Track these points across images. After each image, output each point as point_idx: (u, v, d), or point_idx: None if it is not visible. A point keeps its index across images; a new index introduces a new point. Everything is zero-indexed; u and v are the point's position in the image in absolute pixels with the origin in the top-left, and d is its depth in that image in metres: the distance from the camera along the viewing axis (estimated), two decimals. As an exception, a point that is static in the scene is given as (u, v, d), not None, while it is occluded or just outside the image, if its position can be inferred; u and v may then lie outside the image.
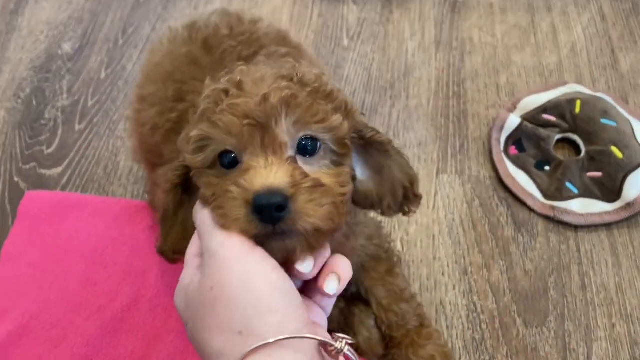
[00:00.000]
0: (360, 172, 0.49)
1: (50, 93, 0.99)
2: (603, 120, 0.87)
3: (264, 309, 0.37)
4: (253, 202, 0.38)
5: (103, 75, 1.01)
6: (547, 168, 0.87)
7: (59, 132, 0.94)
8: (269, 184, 0.38)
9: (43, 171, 0.90)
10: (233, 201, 0.39)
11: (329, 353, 0.39)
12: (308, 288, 0.45)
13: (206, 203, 0.42)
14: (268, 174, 0.39)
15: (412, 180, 0.51)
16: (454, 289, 0.78)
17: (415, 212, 0.54)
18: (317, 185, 0.40)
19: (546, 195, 0.84)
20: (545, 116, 0.90)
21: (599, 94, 0.92)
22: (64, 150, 0.92)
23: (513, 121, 0.90)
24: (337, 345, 0.39)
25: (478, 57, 1.03)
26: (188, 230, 0.48)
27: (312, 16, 1.10)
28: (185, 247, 0.45)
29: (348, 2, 1.13)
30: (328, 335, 0.41)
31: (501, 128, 0.90)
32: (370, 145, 0.49)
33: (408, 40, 1.06)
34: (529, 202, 0.84)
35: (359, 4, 1.12)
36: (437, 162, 0.90)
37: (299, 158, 0.42)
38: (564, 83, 0.95)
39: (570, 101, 0.90)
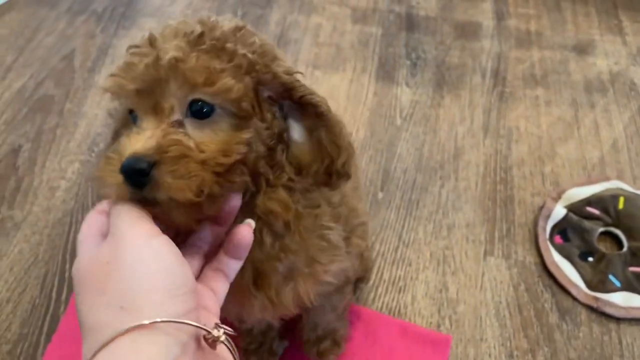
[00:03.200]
0: (298, 133, 0.48)
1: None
2: (646, 218, 0.92)
3: (150, 287, 0.36)
4: (121, 167, 0.39)
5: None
6: (590, 259, 0.91)
7: (129, 187, 1.00)
8: (134, 150, 0.39)
9: (112, 223, 0.95)
10: (110, 167, 0.40)
11: (207, 342, 0.38)
12: (207, 264, 0.45)
13: None
14: (138, 139, 0.40)
15: (339, 154, 0.47)
16: (500, 371, 0.81)
17: (337, 188, 0.50)
18: (182, 155, 0.40)
19: (589, 286, 0.88)
20: (590, 209, 0.95)
21: (641, 192, 0.97)
22: (132, 204, 0.98)
23: (559, 211, 0.95)
24: (214, 333, 0.38)
25: (524, 145, 1.09)
26: None
27: (367, 95, 1.18)
28: None
29: (401, 84, 1.20)
30: (215, 322, 0.39)
31: (547, 217, 0.95)
32: (304, 106, 0.46)
33: (458, 124, 1.13)
34: (573, 291, 0.88)
35: (412, 86, 1.20)
36: (484, 244, 0.95)
37: (190, 121, 0.42)
38: (607, 179, 1.00)
39: (614, 197, 0.95)
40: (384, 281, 0.90)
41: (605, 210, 0.95)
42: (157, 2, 1.38)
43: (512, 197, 1.01)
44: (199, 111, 0.42)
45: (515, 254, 0.93)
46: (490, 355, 0.82)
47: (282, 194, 0.47)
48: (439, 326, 0.85)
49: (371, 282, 0.89)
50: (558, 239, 0.93)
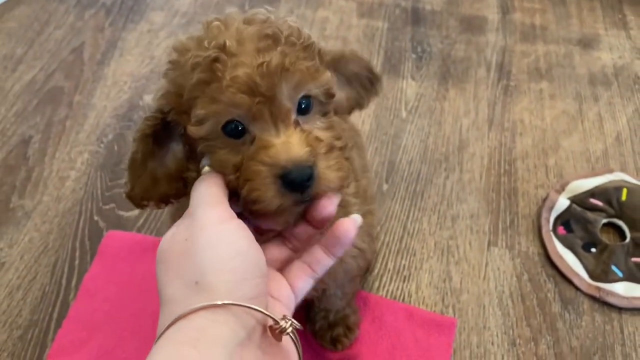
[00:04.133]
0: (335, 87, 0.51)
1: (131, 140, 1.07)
2: (648, 209, 0.93)
3: (222, 268, 0.38)
4: (284, 177, 0.41)
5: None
6: (593, 250, 0.92)
7: (137, 177, 1.02)
8: (293, 158, 0.41)
9: (121, 212, 0.97)
10: (264, 179, 0.41)
11: (273, 332, 0.40)
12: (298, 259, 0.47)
13: (222, 173, 0.44)
14: (288, 147, 0.41)
15: (369, 67, 0.56)
16: (503, 359, 0.82)
17: (380, 90, 0.59)
18: (331, 148, 0.43)
19: (592, 276, 0.89)
20: (593, 200, 0.96)
21: (644, 184, 0.98)
22: (140, 194, 0.99)
23: (562, 203, 0.96)
24: (282, 323, 0.39)
25: (528, 138, 1.10)
26: (157, 179, 0.49)
27: (373, 87, 1.19)
28: (154, 195, 0.49)
29: (407, 77, 1.21)
30: (283, 314, 0.41)
31: (551, 208, 0.96)
32: (333, 62, 0.52)
33: (462, 117, 1.14)
34: (576, 281, 0.89)
35: (417, 80, 1.21)
36: (488, 235, 0.96)
37: (301, 118, 0.44)
38: (610, 170, 1.01)
39: (617, 188, 0.96)
40: (389, 270, 0.91)
41: (608, 201, 0.96)
42: (165, -4, 1.39)
43: (516, 189, 1.02)
44: (303, 107, 0.44)
45: (518, 245, 0.94)
46: (493, 343, 0.83)
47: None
48: (442, 315, 0.86)
49: (376, 271, 0.90)
50: (561, 230, 0.94)
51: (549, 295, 0.88)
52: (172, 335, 0.36)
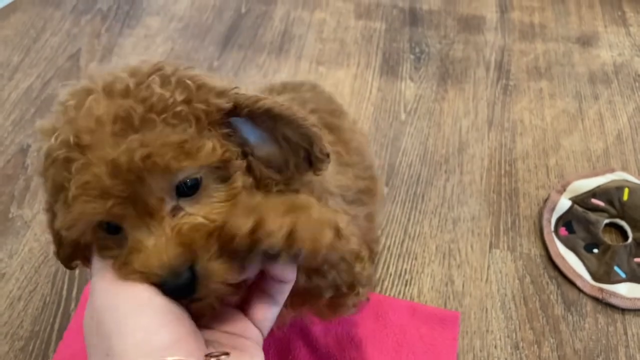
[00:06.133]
0: (255, 138, 0.43)
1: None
2: (650, 209, 0.93)
3: (127, 328, 0.35)
4: (161, 286, 0.37)
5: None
6: (595, 251, 0.91)
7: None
8: (166, 264, 0.36)
9: (120, 221, 0.96)
10: (142, 280, 0.37)
11: None
12: (250, 293, 0.43)
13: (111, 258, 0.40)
14: (158, 251, 0.36)
15: (311, 142, 0.43)
16: (506, 362, 0.82)
17: (326, 169, 0.46)
18: (208, 234, 0.37)
19: (595, 277, 0.89)
20: (594, 201, 0.95)
21: (645, 183, 0.98)
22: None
23: (564, 204, 0.95)
24: None
25: (528, 138, 1.09)
26: (76, 243, 0.44)
27: (371, 90, 1.18)
28: (79, 257, 0.45)
29: (405, 78, 1.21)
30: (206, 353, 0.37)
31: (552, 209, 0.95)
32: (255, 116, 0.42)
33: (462, 118, 1.13)
34: (578, 283, 0.88)
35: (416, 81, 1.20)
36: (489, 237, 0.95)
37: (182, 202, 0.38)
38: (612, 170, 1.01)
39: (619, 188, 0.95)
40: (390, 274, 0.90)
41: (610, 201, 0.95)
42: (162, 0, 1.39)
43: (517, 190, 1.01)
44: (187, 188, 0.38)
45: (520, 247, 0.94)
46: (496, 347, 0.83)
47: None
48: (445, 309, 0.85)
49: (377, 275, 0.90)
50: (563, 231, 0.94)
51: (551, 297, 0.88)
52: None
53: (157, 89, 0.38)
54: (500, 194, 1.01)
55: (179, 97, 0.39)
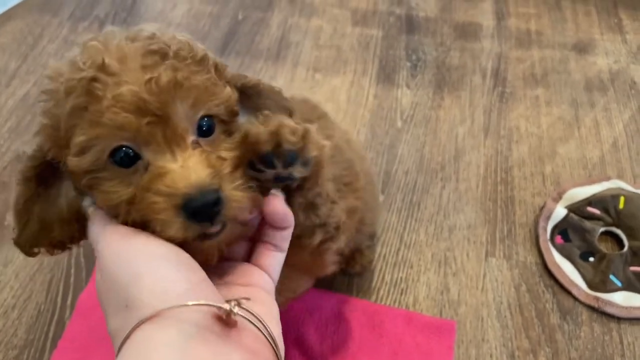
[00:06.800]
0: (242, 117, 0.46)
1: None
2: (646, 218, 0.93)
3: (144, 278, 0.34)
4: (186, 206, 0.36)
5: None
6: (591, 259, 0.91)
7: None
8: (194, 183, 0.36)
9: (116, 229, 0.96)
10: (164, 212, 0.37)
11: (220, 319, 0.35)
12: (254, 247, 0.44)
13: (112, 213, 0.40)
14: (187, 171, 0.37)
15: (290, 114, 0.49)
16: (502, 371, 0.82)
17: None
18: (237, 166, 0.39)
19: (590, 286, 0.88)
20: (590, 209, 0.95)
21: (641, 192, 0.98)
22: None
23: (559, 212, 0.95)
24: (224, 306, 0.34)
25: (524, 146, 1.09)
26: (48, 223, 0.44)
27: (368, 97, 1.18)
28: (44, 241, 0.45)
29: (402, 86, 1.21)
30: (239, 298, 0.36)
31: (548, 217, 0.95)
32: (243, 91, 0.46)
33: (458, 125, 1.13)
34: (574, 292, 0.88)
35: (412, 88, 1.20)
36: (485, 245, 0.95)
37: (202, 140, 0.40)
38: (608, 178, 1.01)
39: (615, 197, 0.95)
40: (386, 283, 0.90)
41: (605, 210, 0.95)
42: (159, 7, 1.39)
43: (512, 198, 1.01)
44: (204, 128, 0.40)
45: (516, 255, 0.94)
46: (492, 356, 0.83)
47: None
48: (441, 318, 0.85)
49: (373, 283, 0.90)
50: (559, 239, 0.94)
51: (547, 305, 0.88)
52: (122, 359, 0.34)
53: (183, 39, 0.41)
54: (496, 201, 1.01)
55: (196, 52, 0.41)
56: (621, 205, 0.95)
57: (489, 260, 0.93)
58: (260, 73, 1.22)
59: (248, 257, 0.43)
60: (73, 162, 0.38)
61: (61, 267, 0.91)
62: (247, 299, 0.36)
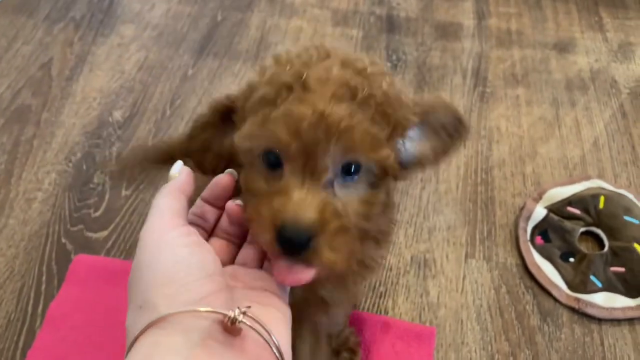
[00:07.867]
0: (410, 144, 0.48)
1: (100, 158, 1.05)
2: (626, 217, 0.92)
3: (165, 281, 0.36)
4: (278, 231, 0.39)
5: (150, 144, 1.07)
6: (571, 260, 0.90)
7: (106, 197, 0.99)
8: (296, 217, 0.38)
9: (89, 234, 0.94)
10: (263, 221, 0.40)
11: (226, 327, 0.36)
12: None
13: (246, 195, 0.43)
14: (299, 204, 0.39)
15: (458, 116, 0.50)
16: (481, 375, 0.80)
17: (467, 137, 0.52)
18: (342, 229, 0.40)
19: (571, 287, 0.88)
20: (570, 209, 0.95)
21: (621, 191, 0.97)
22: (110, 214, 0.97)
23: (539, 212, 0.94)
24: (229, 314, 0.35)
25: (505, 146, 1.09)
26: (208, 148, 0.49)
27: (348, 98, 1.17)
28: (195, 155, 0.49)
29: (382, 86, 1.19)
30: (242, 306, 0.37)
31: (528, 218, 0.95)
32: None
33: (438, 126, 1.12)
34: (554, 293, 0.87)
35: (392, 88, 1.19)
36: (465, 247, 0.94)
37: (337, 180, 0.41)
38: (588, 177, 1.00)
39: (594, 196, 0.95)
40: (364, 286, 0.89)
41: (585, 210, 0.94)
42: (136, 8, 1.37)
43: (493, 199, 1.00)
44: (349, 172, 0.42)
45: (496, 256, 0.93)
46: (471, 360, 0.82)
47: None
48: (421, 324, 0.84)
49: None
50: (539, 239, 0.93)
51: (527, 307, 0.87)
52: None
53: (385, 87, 0.43)
54: (476, 202, 1.00)
55: (393, 104, 0.43)
56: (601, 205, 0.94)
57: (468, 261, 0.92)
58: (239, 74, 1.21)
59: (260, 264, 0.45)
60: (236, 139, 0.43)
61: (32, 275, 0.89)
62: (249, 307, 0.37)
